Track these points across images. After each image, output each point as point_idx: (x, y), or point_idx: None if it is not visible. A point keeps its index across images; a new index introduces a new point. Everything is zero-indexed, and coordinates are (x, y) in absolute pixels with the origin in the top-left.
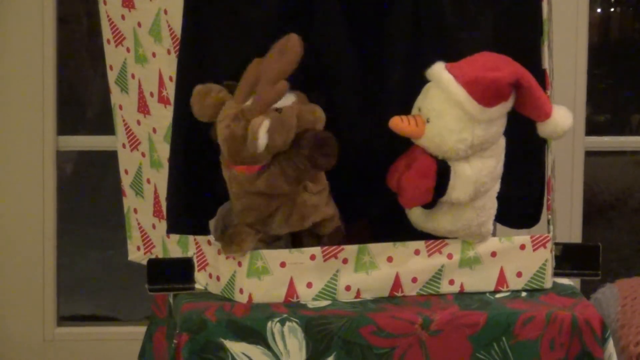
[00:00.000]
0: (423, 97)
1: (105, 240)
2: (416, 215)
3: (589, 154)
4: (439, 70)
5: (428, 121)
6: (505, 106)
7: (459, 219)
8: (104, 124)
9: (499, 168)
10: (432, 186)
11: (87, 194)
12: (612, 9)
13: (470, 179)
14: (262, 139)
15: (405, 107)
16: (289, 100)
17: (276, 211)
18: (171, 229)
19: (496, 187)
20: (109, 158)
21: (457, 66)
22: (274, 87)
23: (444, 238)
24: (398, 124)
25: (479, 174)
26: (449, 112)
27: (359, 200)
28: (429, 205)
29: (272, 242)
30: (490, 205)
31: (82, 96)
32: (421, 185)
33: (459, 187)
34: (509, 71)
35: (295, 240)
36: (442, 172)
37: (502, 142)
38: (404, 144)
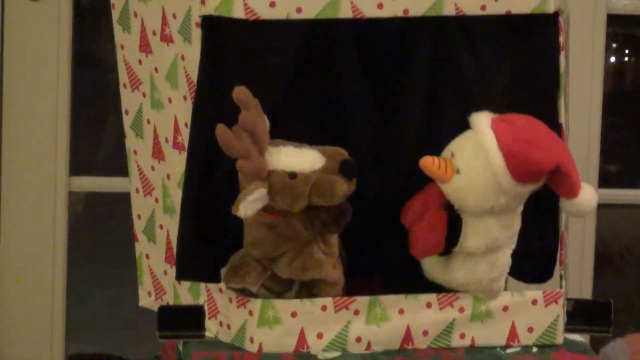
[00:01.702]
0: (460, 144)
1: (114, 279)
2: (429, 264)
3: (601, 206)
4: (483, 127)
5: (458, 172)
6: (536, 186)
7: (471, 272)
8: (116, 165)
9: (515, 226)
10: (442, 239)
11: (98, 232)
12: (627, 58)
13: (481, 230)
14: (242, 211)
15: (420, 156)
16: (316, 162)
17: (283, 253)
18: (181, 276)
19: (511, 244)
20: (121, 198)
21: (501, 126)
22: (251, 161)
23: (455, 291)
24: (429, 165)
25: (491, 228)
26: (481, 173)
27: (371, 252)
28: (444, 253)
29: (283, 292)
30: (503, 261)
31: (95, 137)
32: (431, 239)
33: (470, 236)
34: (552, 157)
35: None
36: (454, 223)
37: (521, 206)
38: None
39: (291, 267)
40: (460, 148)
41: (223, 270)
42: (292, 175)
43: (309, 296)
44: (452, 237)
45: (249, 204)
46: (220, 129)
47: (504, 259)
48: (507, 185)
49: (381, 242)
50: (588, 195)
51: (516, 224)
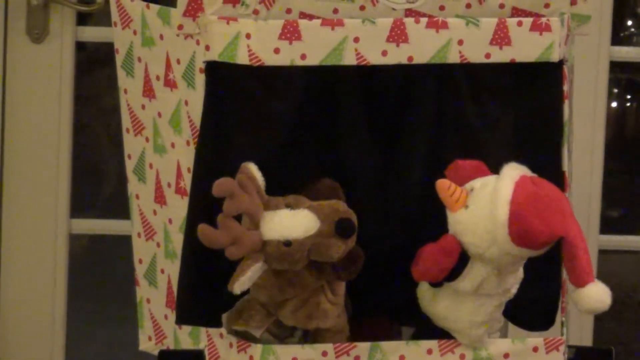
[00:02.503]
0: (482, 184)
1: (115, 320)
2: (422, 292)
3: (602, 252)
4: (507, 178)
5: (467, 207)
6: (531, 253)
7: (454, 308)
8: (117, 207)
9: (508, 281)
10: (449, 268)
11: (99, 272)
12: (628, 104)
13: (480, 274)
14: (237, 290)
15: (424, 206)
16: (310, 227)
17: (288, 300)
18: (181, 320)
19: (503, 297)
20: (121, 240)
21: (524, 185)
22: (240, 246)
23: (453, 337)
24: (444, 189)
25: (490, 274)
26: (484, 218)
27: (376, 297)
28: (436, 285)
29: (285, 338)
30: (489, 310)
31: (96, 178)
32: (441, 262)
33: (468, 277)
34: (555, 229)
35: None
36: (463, 257)
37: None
38: (423, 244)
39: (296, 315)
40: (481, 187)
41: (224, 315)
42: (287, 243)
43: (312, 343)
44: (454, 271)
45: (243, 283)
46: (201, 229)
47: (490, 308)
48: (501, 240)
49: (388, 284)
50: (596, 292)
51: (512, 279)
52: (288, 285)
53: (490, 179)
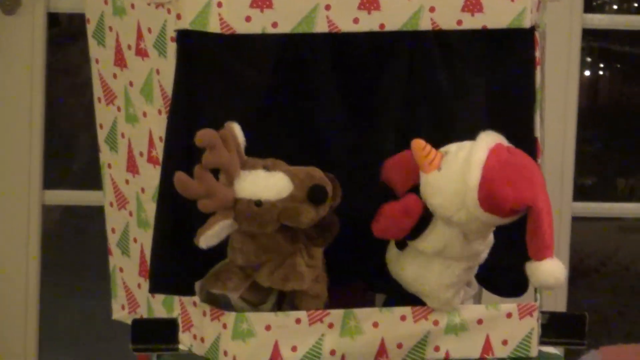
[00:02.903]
0: (457, 148)
1: (88, 292)
2: (390, 256)
3: (575, 219)
4: (482, 144)
5: (440, 169)
6: (499, 220)
7: (422, 270)
8: (90, 178)
9: (477, 246)
10: (409, 226)
11: (72, 245)
12: (601, 72)
13: (443, 236)
14: (203, 244)
15: None
16: (283, 190)
17: (265, 263)
18: (154, 289)
19: (472, 262)
20: (95, 211)
21: (498, 152)
22: (213, 198)
23: (423, 304)
24: (418, 148)
25: (455, 237)
26: (455, 181)
27: (352, 263)
28: (400, 246)
29: (259, 304)
30: (458, 272)
31: (69, 150)
32: (401, 221)
33: (430, 238)
34: (524, 196)
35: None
36: (425, 217)
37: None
38: None
39: (272, 277)
40: (455, 151)
41: (197, 283)
42: (258, 203)
43: (291, 308)
44: (415, 230)
45: (210, 237)
46: (177, 177)
47: (458, 270)
48: (470, 204)
49: (363, 252)
50: (552, 268)
51: (481, 244)
52: (263, 249)
53: (466, 144)
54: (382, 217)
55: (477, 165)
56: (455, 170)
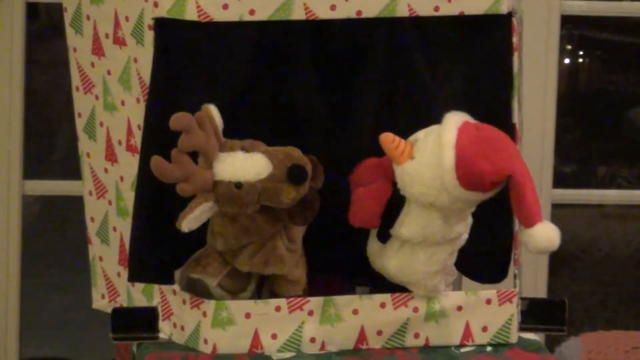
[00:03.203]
0: (425, 133)
1: (69, 284)
2: (372, 249)
3: (555, 206)
4: (449, 126)
5: (413, 158)
6: (481, 196)
7: (406, 260)
8: (71, 168)
9: (460, 227)
10: (379, 211)
11: (53, 236)
12: (581, 60)
13: (420, 221)
14: (185, 227)
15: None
16: (263, 170)
17: (245, 246)
18: (133, 277)
19: (455, 244)
20: (75, 202)
21: (467, 130)
22: (192, 182)
23: (409, 291)
24: (388, 142)
25: (433, 222)
26: (431, 167)
27: (329, 252)
28: (382, 238)
29: (239, 292)
30: (442, 258)
31: (49, 140)
32: (369, 206)
33: (407, 224)
34: (501, 167)
35: (261, 294)
36: (395, 202)
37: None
38: None
39: (252, 261)
40: (424, 137)
41: (177, 272)
42: (238, 185)
43: (270, 294)
44: (388, 217)
45: (192, 221)
46: (154, 161)
47: (443, 256)
48: (450, 186)
49: (340, 239)
50: (545, 231)
51: (463, 225)
52: (244, 232)
53: (433, 127)
54: (352, 204)
55: (449, 146)
56: (429, 156)
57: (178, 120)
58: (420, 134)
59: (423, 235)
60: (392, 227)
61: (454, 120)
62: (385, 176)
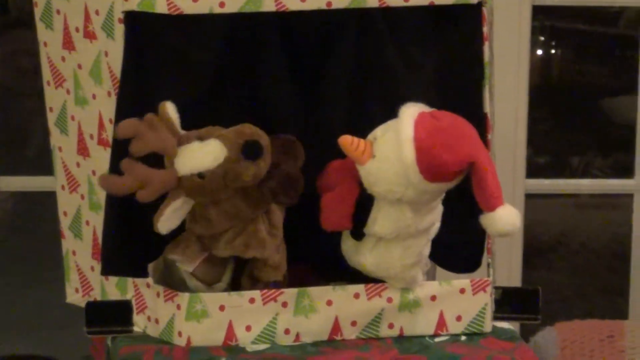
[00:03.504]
0: (383, 130)
1: (43, 279)
2: (347, 247)
3: (529, 196)
4: (406, 118)
5: (374, 156)
6: (447, 186)
7: (382, 256)
8: (44, 165)
9: (432, 216)
10: (349, 212)
11: (26, 232)
12: (553, 51)
13: (391, 217)
14: (162, 229)
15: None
16: (219, 154)
17: (226, 231)
18: (105, 270)
19: (428, 234)
20: (48, 198)
21: (424, 121)
22: (150, 188)
23: (383, 281)
24: (347, 144)
25: (404, 215)
26: (393, 163)
27: (303, 243)
28: (357, 236)
29: (213, 283)
30: (417, 250)
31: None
32: (338, 210)
33: (379, 221)
34: (463, 155)
35: (236, 286)
36: (365, 201)
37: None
38: None
39: (233, 244)
40: (382, 134)
41: (151, 265)
42: (200, 175)
43: (250, 279)
44: (360, 216)
45: (165, 222)
46: (102, 180)
47: (418, 247)
48: (414, 180)
49: (312, 229)
50: (506, 214)
51: (435, 214)
52: (225, 216)
53: (390, 123)
54: (322, 209)
55: (407, 141)
56: (389, 153)
57: (123, 128)
58: (378, 131)
59: (396, 230)
60: (365, 226)
61: (409, 113)
62: (351, 177)
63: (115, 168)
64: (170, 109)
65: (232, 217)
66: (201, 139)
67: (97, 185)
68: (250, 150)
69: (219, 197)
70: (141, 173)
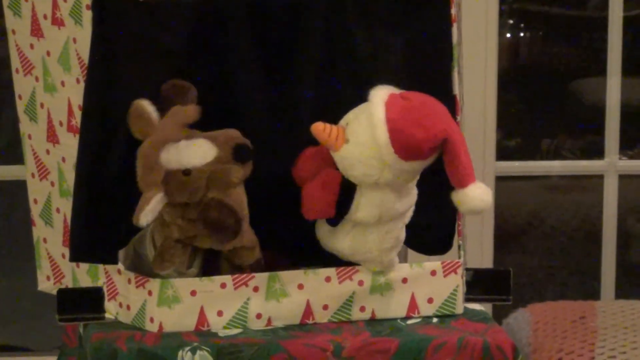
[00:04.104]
0: (355, 114)
1: (15, 269)
2: (322, 232)
3: (499, 179)
4: (377, 100)
5: (347, 142)
6: (422, 164)
7: (359, 241)
8: (14, 154)
9: (411, 198)
10: (333, 200)
11: None
12: (522, 34)
13: (375, 201)
14: (143, 221)
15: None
16: (208, 154)
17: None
18: (75, 257)
19: (406, 217)
20: (19, 187)
21: (395, 102)
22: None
23: (353, 264)
24: (319, 132)
25: (387, 198)
26: (367, 146)
27: (273, 229)
28: (333, 221)
29: (185, 271)
30: (395, 234)
31: None
32: (322, 198)
33: (363, 207)
34: (436, 132)
35: (214, 271)
36: (347, 188)
37: (414, 180)
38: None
39: (210, 240)
40: (354, 118)
41: (121, 251)
42: (187, 172)
43: (230, 266)
44: (343, 203)
45: (148, 213)
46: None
47: (397, 231)
48: (390, 161)
49: (284, 216)
50: (478, 192)
51: (412, 197)
52: (191, 222)
53: (361, 107)
54: (304, 199)
55: (379, 122)
56: (362, 136)
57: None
58: (350, 115)
59: (379, 214)
60: (348, 213)
61: (380, 96)
62: (329, 163)
63: (83, 157)
64: (146, 105)
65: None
66: (187, 138)
67: (66, 172)
68: (242, 153)
69: (194, 198)
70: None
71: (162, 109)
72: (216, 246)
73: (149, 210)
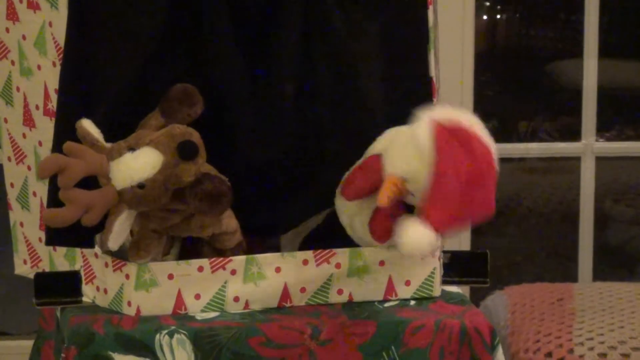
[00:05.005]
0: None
1: None
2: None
3: None
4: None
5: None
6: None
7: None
8: None
9: None
10: (378, 180)
11: None
12: (499, 16)
13: None
14: (114, 246)
15: (299, 120)
16: (156, 162)
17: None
18: (50, 241)
19: None
20: None
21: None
22: (93, 213)
23: (332, 247)
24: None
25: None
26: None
27: (258, 216)
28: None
29: (163, 256)
30: None
31: None
32: (386, 226)
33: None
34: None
35: (195, 255)
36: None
37: None
38: (301, 163)
39: (190, 227)
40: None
41: (98, 235)
42: (141, 185)
43: (212, 251)
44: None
45: (117, 237)
46: (47, 218)
47: None
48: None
49: (269, 203)
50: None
51: None
52: (169, 213)
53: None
54: (350, 179)
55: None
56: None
57: (44, 168)
58: (405, 175)
59: None
60: None
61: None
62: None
63: (59, 137)
64: (88, 125)
65: (175, 213)
66: (132, 148)
67: (43, 155)
68: (187, 151)
69: (161, 203)
70: (82, 199)
71: (163, 110)
72: (206, 229)
73: (116, 235)
